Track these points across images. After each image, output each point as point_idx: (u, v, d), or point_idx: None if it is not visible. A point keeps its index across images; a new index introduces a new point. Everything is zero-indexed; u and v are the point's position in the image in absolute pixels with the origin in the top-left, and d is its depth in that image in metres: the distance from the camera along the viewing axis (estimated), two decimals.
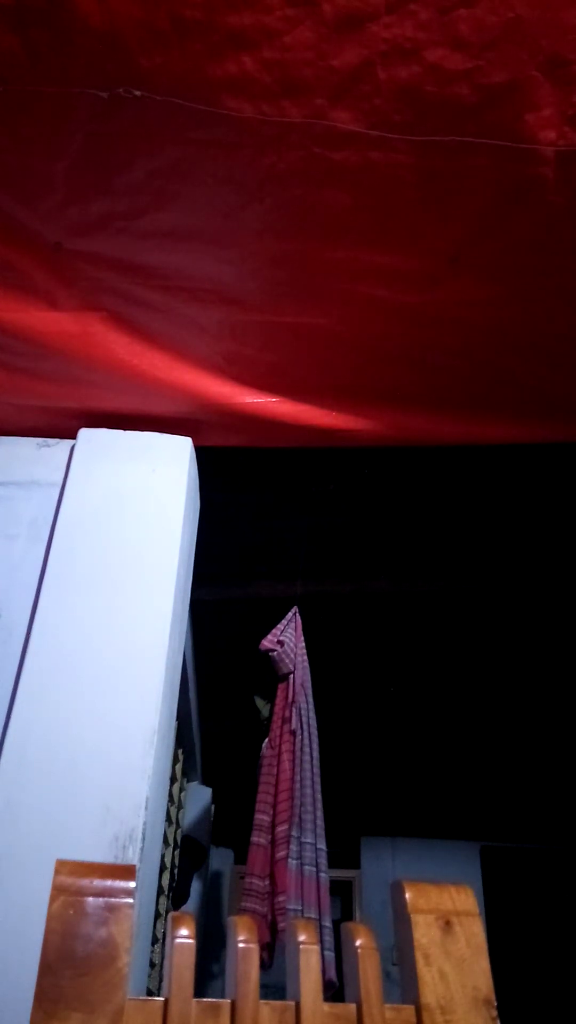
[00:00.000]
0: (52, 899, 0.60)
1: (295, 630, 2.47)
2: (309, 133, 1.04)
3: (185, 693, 3.04)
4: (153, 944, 2.63)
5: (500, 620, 3.05)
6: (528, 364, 1.46)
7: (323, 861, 2.19)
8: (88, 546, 1.48)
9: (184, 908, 3.69)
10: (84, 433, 1.63)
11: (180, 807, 3.75)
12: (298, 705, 2.35)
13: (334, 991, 1.89)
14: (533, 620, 3.04)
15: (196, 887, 4.07)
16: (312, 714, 2.39)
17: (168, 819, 3.03)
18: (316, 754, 2.34)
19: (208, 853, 4.30)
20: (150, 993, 2.05)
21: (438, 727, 4.00)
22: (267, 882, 2.14)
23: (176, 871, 3.58)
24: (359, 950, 0.56)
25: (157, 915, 2.50)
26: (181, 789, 3.75)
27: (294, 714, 2.33)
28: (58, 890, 0.59)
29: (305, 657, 2.46)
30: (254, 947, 0.55)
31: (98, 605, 1.42)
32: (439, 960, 0.55)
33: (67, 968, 0.53)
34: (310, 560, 2.59)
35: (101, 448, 1.61)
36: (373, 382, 1.54)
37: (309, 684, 2.44)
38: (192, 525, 1.71)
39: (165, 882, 2.99)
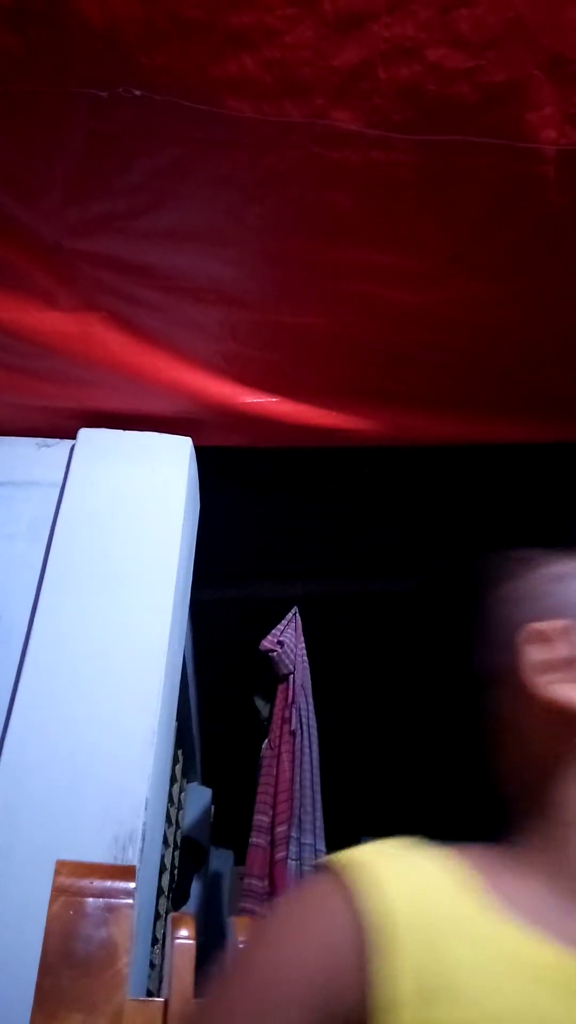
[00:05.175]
0: (52, 900, 0.60)
1: (295, 631, 2.47)
2: (309, 133, 1.04)
3: (185, 693, 3.03)
4: (153, 945, 2.63)
5: None
6: (528, 364, 1.46)
7: None
8: (88, 546, 1.48)
9: (184, 909, 3.69)
10: (84, 433, 1.63)
11: (180, 808, 3.75)
12: (298, 706, 2.34)
13: None
14: None
15: (196, 888, 4.07)
16: (312, 715, 2.39)
17: (168, 820, 3.03)
18: (316, 755, 2.34)
19: (208, 854, 4.29)
20: (150, 994, 2.04)
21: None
22: (266, 883, 2.13)
23: (176, 872, 3.58)
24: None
25: (157, 916, 2.49)
26: (181, 790, 3.74)
27: (294, 715, 2.33)
28: (58, 891, 0.59)
29: (305, 658, 2.46)
30: None
31: (98, 605, 1.41)
32: None
33: (67, 969, 0.53)
34: (310, 560, 2.58)
35: (101, 448, 1.61)
36: (373, 382, 1.54)
37: (309, 685, 2.43)
38: (192, 525, 1.70)
39: (165, 883, 2.99)
